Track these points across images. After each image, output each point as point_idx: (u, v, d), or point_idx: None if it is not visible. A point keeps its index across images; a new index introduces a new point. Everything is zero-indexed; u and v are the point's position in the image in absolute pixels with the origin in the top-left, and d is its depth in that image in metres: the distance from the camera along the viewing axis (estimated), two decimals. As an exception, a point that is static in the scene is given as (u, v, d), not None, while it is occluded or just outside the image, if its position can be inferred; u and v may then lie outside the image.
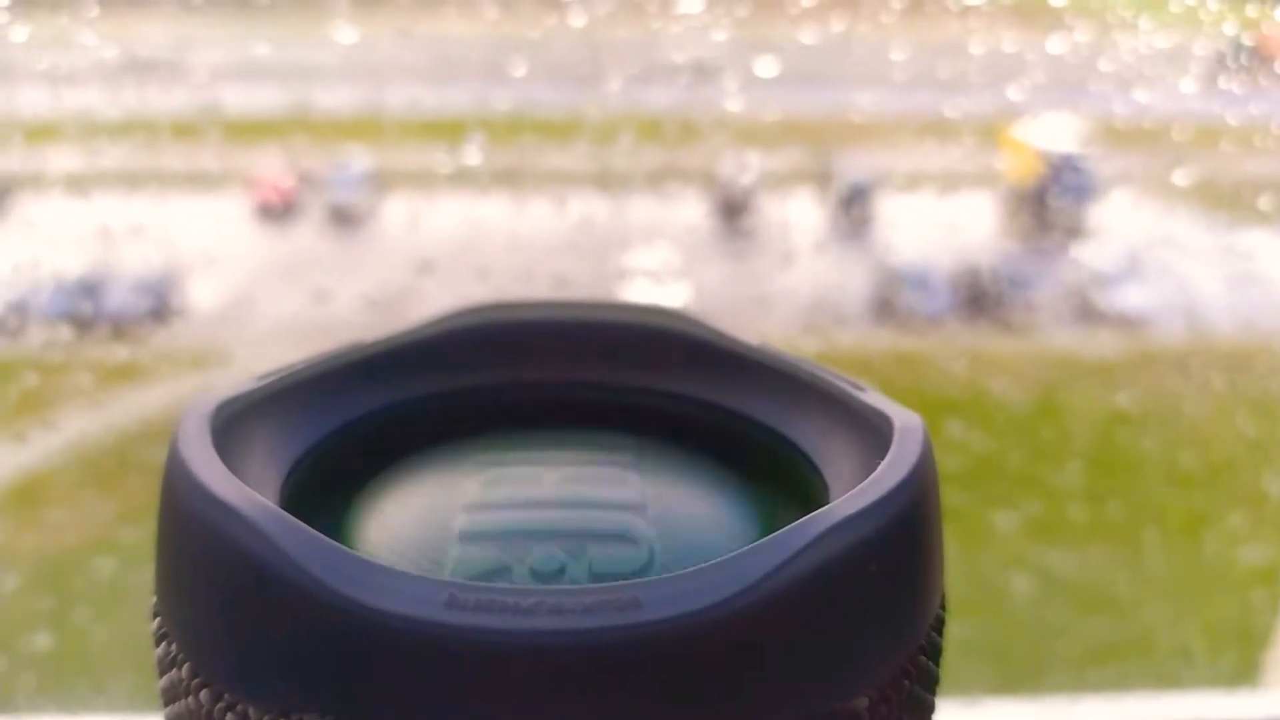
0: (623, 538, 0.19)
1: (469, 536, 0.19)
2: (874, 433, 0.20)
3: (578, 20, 1.11)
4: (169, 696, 0.18)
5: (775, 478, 0.22)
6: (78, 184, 1.42)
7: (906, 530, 0.18)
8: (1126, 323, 1.77)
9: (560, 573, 0.18)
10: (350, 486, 0.21)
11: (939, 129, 1.41)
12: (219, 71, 1.39)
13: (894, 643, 0.18)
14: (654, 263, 1.60)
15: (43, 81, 1.29)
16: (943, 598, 0.20)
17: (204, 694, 0.17)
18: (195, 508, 0.17)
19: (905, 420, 0.20)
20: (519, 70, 1.18)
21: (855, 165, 1.85)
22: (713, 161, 1.73)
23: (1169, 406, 1.48)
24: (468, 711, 0.15)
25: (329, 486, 0.21)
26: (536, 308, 0.24)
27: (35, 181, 1.49)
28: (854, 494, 0.18)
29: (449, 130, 1.35)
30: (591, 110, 1.31)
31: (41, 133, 1.41)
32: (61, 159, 1.45)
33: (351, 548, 0.18)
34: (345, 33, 1.21)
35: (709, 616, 0.15)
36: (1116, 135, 1.53)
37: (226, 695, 0.17)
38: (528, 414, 0.23)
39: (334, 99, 1.37)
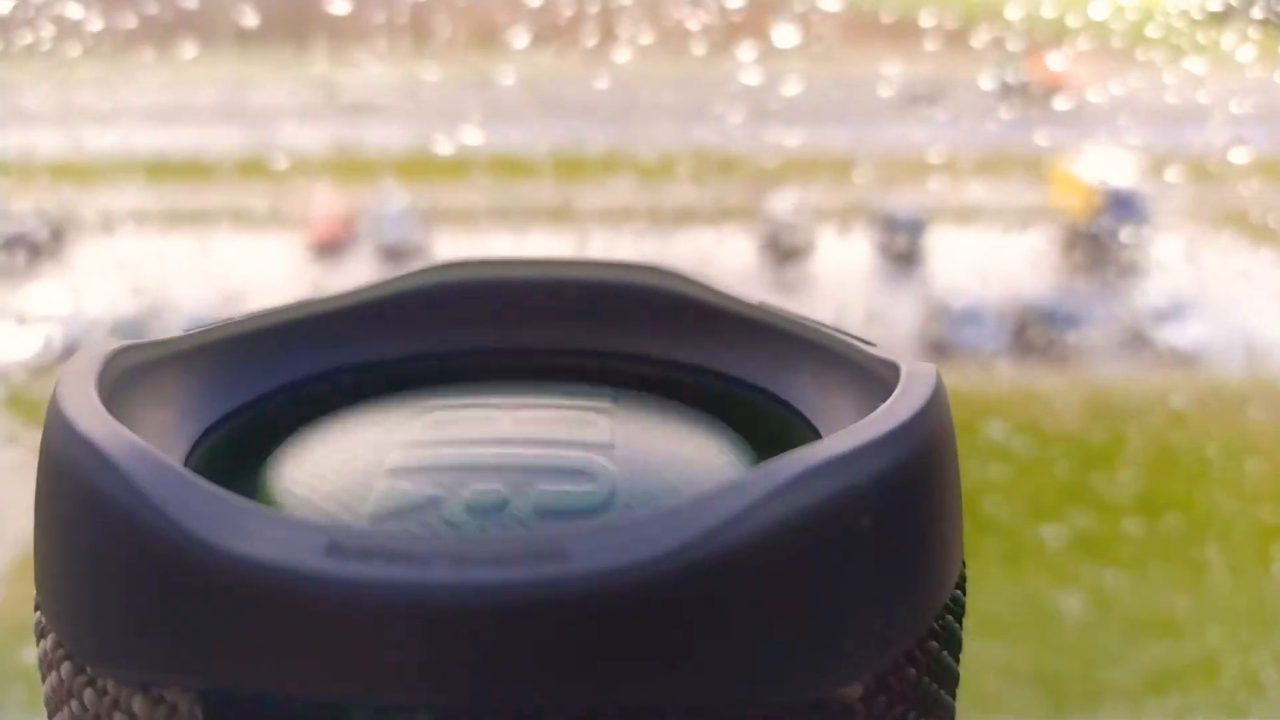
0: (579, 473, 0.16)
1: (399, 472, 0.16)
2: (880, 385, 0.17)
3: (622, 57, 1.12)
4: (42, 674, 0.16)
5: (769, 438, 0.19)
6: (133, 222, 1.44)
7: (910, 482, 0.15)
8: (1184, 359, 1.74)
9: (500, 509, 0.16)
10: (280, 442, 0.18)
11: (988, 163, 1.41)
12: (273, 111, 1.42)
13: (895, 620, 0.15)
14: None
15: (102, 121, 1.32)
16: (962, 575, 0.17)
17: (65, 667, 0.15)
18: (59, 450, 0.15)
19: (915, 366, 0.17)
20: (564, 107, 1.19)
21: (903, 200, 1.84)
22: (760, 197, 1.73)
23: (1228, 442, 1.45)
24: (348, 677, 0.13)
25: (257, 445, 0.18)
26: (509, 265, 0.22)
27: (91, 220, 1.52)
28: (843, 433, 0.15)
29: (499, 167, 1.36)
30: (638, 146, 1.32)
31: (98, 171, 1.44)
32: (117, 198, 1.48)
33: (266, 500, 0.16)
34: (397, 72, 1.23)
35: (653, 572, 0.13)
36: (1170, 168, 1.51)
37: (88, 668, 0.15)
38: (495, 377, 0.21)
39: (386, 137, 1.39)
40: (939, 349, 1.70)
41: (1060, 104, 1.27)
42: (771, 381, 0.20)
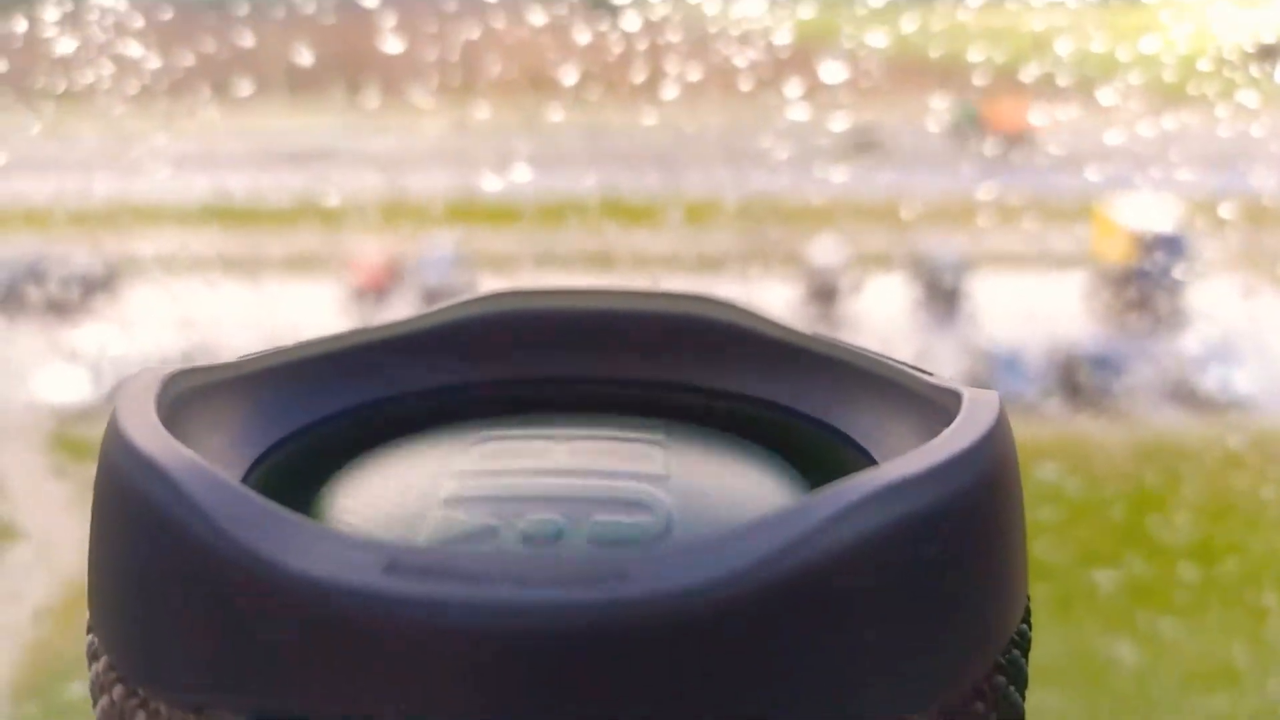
0: (634, 504, 0.16)
1: (454, 501, 0.16)
2: (941, 414, 0.17)
3: (658, 109, 1.13)
4: (93, 698, 0.16)
5: (825, 469, 0.18)
6: (183, 265, 1.46)
7: (974, 510, 0.15)
8: (1227, 406, 1.72)
9: (555, 538, 0.15)
10: (335, 468, 0.18)
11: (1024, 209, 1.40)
12: (325, 156, 1.44)
13: (962, 652, 0.15)
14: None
15: (151, 168, 1.34)
16: (1027, 609, 0.17)
17: (117, 690, 0.15)
18: (116, 468, 0.15)
19: (977, 393, 0.17)
20: (606, 155, 1.20)
21: (945, 247, 1.84)
22: (803, 243, 1.73)
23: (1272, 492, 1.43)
24: (408, 698, 0.13)
25: (311, 471, 0.18)
26: (560, 295, 0.21)
27: (143, 264, 1.54)
28: (905, 459, 0.15)
29: (539, 214, 1.37)
30: (680, 193, 1.32)
31: (149, 217, 1.46)
32: (167, 243, 1.50)
33: (322, 521, 0.16)
34: (441, 122, 1.24)
35: (718, 596, 0.12)
36: (1211, 214, 1.50)
37: (140, 691, 0.14)
38: (547, 408, 0.20)
39: (428, 184, 1.40)
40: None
41: (1022, 149, 1.28)
42: (827, 412, 0.19)
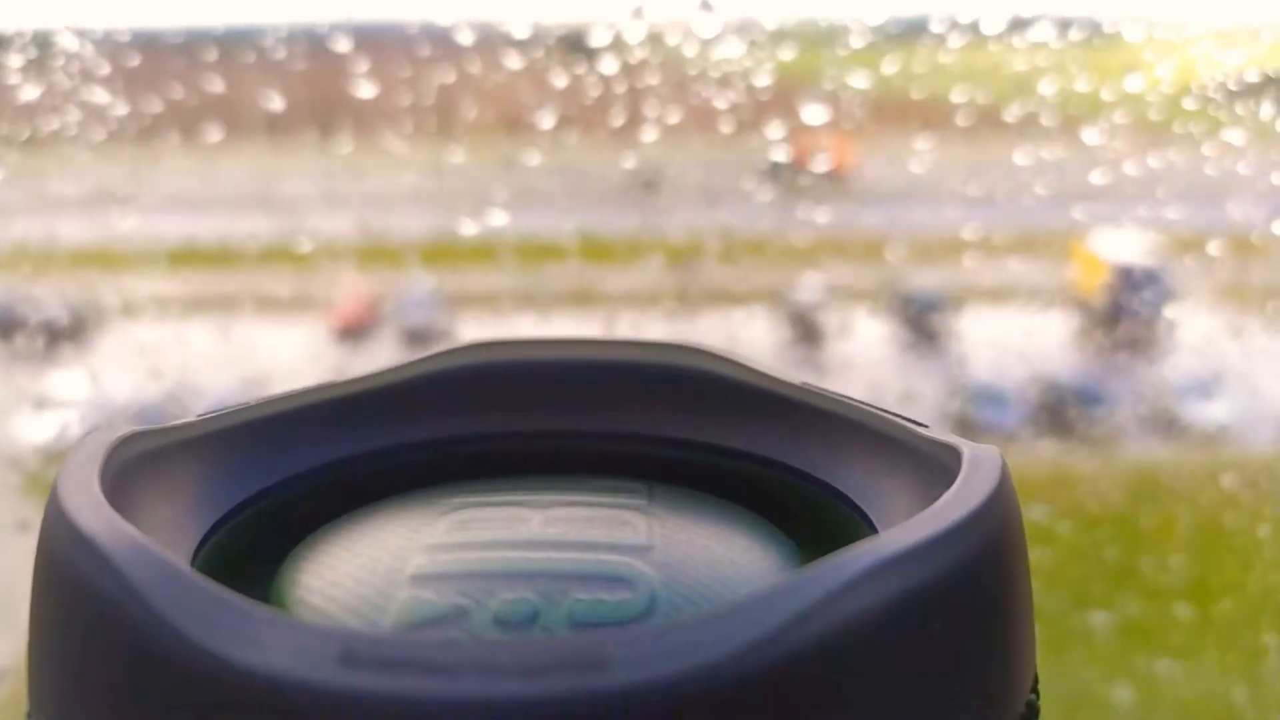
0: (616, 580, 0.15)
1: (422, 579, 0.15)
2: (939, 471, 0.16)
3: (636, 149, 1.12)
4: None
5: (819, 531, 0.18)
6: (157, 308, 1.44)
7: (982, 579, 0.14)
8: (1209, 436, 1.72)
9: (531, 621, 0.14)
10: (296, 538, 0.17)
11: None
12: (298, 196, 1.42)
13: None
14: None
15: (129, 210, 1.32)
16: (1035, 679, 0.16)
17: None
18: (57, 547, 0.14)
19: (977, 450, 0.16)
20: (584, 195, 1.19)
21: (924, 280, 1.84)
22: (780, 279, 1.72)
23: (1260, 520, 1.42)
24: None
25: (271, 541, 0.17)
26: (536, 346, 0.21)
27: (118, 308, 1.53)
28: (906, 526, 0.14)
29: (519, 253, 1.36)
30: (656, 231, 1.32)
31: (124, 258, 1.44)
32: (141, 283, 1.49)
33: (280, 603, 0.15)
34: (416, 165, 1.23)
35: (704, 684, 0.11)
36: (1186, 246, 1.51)
37: None
38: (524, 466, 0.19)
39: (408, 225, 1.39)
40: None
41: (833, 184, 1.28)
42: (817, 468, 0.18)
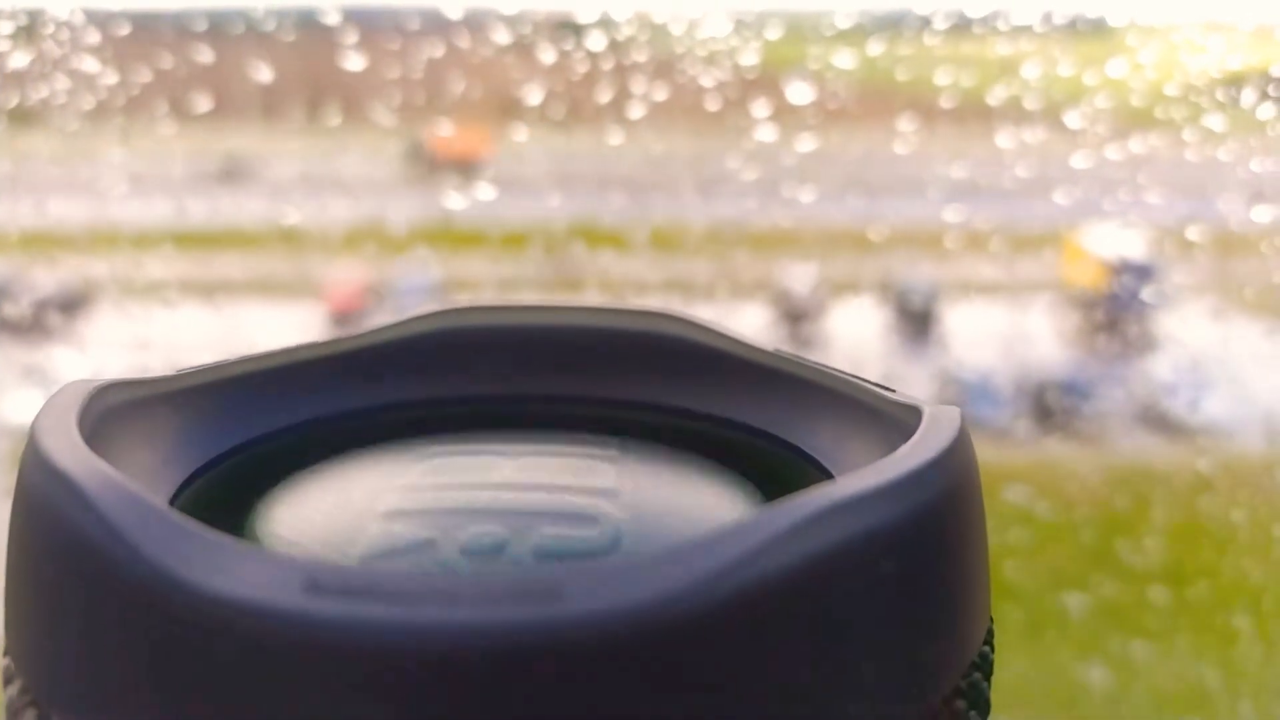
0: (581, 518, 0.16)
1: (393, 515, 0.16)
2: (901, 429, 0.16)
3: (635, 133, 1.12)
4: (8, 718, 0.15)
5: (782, 486, 0.18)
6: (155, 292, 1.44)
7: (934, 527, 0.14)
8: (1200, 433, 1.72)
9: (497, 552, 0.15)
10: (272, 485, 0.18)
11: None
12: (294, 183, 1.43)
13: (917, 677, 0.14)
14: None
15: (126, 191, 1.32)
16: (989, 631, 0.16)
17: (29, 715, 0.14)
18: (32, 484, 0.14)
19: (938, 410, 0.16)
20: (584, 181, 1.19)
21: (915, 274, 1.84)
22: (772, 271, 1.73)
23: (1250, 518, 1.43)
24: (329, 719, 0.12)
25: (248, 488, 0.18)
26: (513, 311, 0.21)
27: (114, 289, 1.53)
28: (861, 474, 0.14)
29: (517, 239, 1.36)
30: (654, 220, 1.32)
31: (121, 241, 1.44)
32: (140, 267, 1.49)
33: (253, 540, 0.16)
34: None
35: (656, 615, 0.12)
36: (1182, 242, 1.51)
37: (53, 716, 0.14)
38: (499, 427, 0.20)
39: (405, 210, 1.39)
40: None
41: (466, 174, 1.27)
42: (785, 429, 0.19)
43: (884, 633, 0.14)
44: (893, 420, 0.17)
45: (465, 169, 1.38)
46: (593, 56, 1.04)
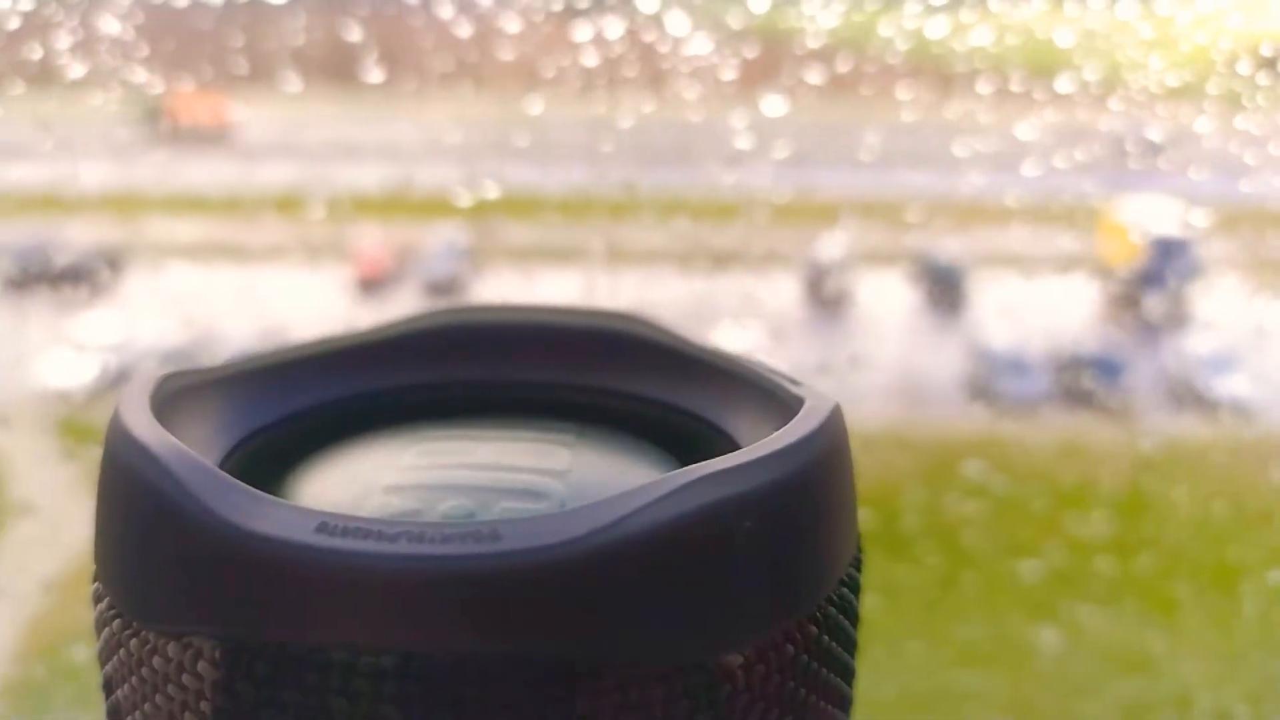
0: (534, 494, 0.20)
1: (391, 489, 0.20)
2: (792, 415, 0.21)
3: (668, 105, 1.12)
4: (96, 631, 0.20)
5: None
6: (188, 256, 1.46)
7: (793, 492, 0.19)
8: (1231, 410, 1.71)
9: (467, 519, 0.19)
10: (297, 460, 0.22)
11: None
12: (327, 150, 1.44)
13: (773, 605, 0.18)
14: (744, 343, 1.58)
15: (160, 157, 1.34)
16: (849, 573, 0.20)
17: (115, 623, 0.19)
18: (118, 452, 0.19)
19: (817, 400, 0.21)
20: (610, 151, 1.20)
21: (947, 247, 1.84)
22: (804, 242, 1.73)
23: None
24: (331, 627, 0.16)
25: (280, 458, 0.22)
26: (500, 311, 0.26)
27: (148, 253, 1.54)
28: (741, 452, 0.19)
29: (542, 208, 1.37)
30: (682, 190, 1.32)
31: (156, 206, 1.46)
32: (173, 231, 1.50)
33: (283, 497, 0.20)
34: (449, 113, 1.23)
35: (564, 553, 0.16)
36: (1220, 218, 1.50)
37: (134, 623, 0.18)
38: (481, 409, 0.24)
39: (433, 177, 1.40)
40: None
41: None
42: (714, 414, 0.23)
43: (744, 571, 0.18)
44: (788, 409, 0.21)
45: (206, 134, 1.38)
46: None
